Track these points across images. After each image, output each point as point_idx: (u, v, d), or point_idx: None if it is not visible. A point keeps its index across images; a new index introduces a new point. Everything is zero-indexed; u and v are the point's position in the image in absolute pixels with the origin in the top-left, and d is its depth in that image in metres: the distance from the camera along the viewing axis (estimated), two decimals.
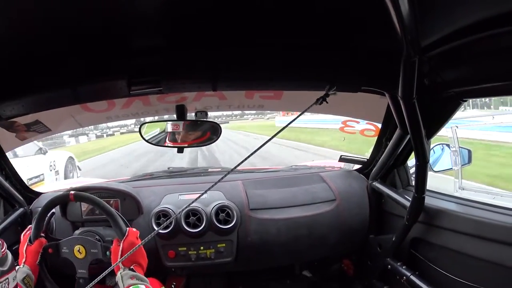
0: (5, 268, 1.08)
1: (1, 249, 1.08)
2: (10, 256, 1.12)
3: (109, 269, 1.23)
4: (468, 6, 0.90)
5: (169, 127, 1.68)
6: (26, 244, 1.50)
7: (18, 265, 1.44)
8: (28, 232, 1.54)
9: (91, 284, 1.22)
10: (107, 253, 1.50)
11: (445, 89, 1.21)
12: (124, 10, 0.95)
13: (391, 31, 0.87)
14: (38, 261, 1.48)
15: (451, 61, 1.10)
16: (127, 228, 1.46)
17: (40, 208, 1.56)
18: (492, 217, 1.34)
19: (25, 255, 1.47)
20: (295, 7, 0.98)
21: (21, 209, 1.80)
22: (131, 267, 1.38)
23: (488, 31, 0.94)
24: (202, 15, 1.01)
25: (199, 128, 1.69)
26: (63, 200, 1.60)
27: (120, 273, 1.35)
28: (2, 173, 1.75)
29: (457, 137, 1.97)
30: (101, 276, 1.20)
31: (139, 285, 1.32)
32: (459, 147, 1.96)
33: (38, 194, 1.98)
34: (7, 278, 1.08)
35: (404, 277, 1.67)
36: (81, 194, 1.54)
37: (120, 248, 1.40)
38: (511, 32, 0.90)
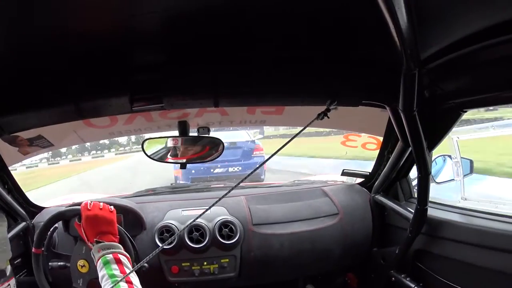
0: (7, 275, 1.16)
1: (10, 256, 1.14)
2: (8, 265, 1.17)
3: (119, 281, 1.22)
4: (465, 17, 0.91)
5: (169, 142, 1.69)
6: None
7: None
8: None
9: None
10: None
11: (445, 101, 1.22)
12: (125, 28, 0.97)
13: (390, 44, 0.87)
14: None
15: (451, 73, 1.12)
16: (79, 207, 1.45)
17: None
18: (495, 226, 1.33)
19: None
20: (294, 23, 1.00)
21: (24, 223, 1.80)
22: (97, 239, 1.34)
23: (486, 41, 0.95)
24: (202, 32, 1.03)
25: (197, 143, 1.70)
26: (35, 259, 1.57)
27: (92, 251, 1.33)
28: (4, 187, 1.75)
29: (458, 148, 1.96)
30: None
31: (106, 256, 1.28)
32: (461, 157, 1.95)
33: (41, 208, 1.98)
34: (9, 284, 1.13)
35: None
36: (41, 226, 1.54)
37: (82, 227, 1.38)
38: (508, 41, 0.91)
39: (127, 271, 1.24)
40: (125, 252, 1.34)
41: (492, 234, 1.31)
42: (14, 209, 1.77)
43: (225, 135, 8.38)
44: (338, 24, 1.01)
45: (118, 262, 1.27)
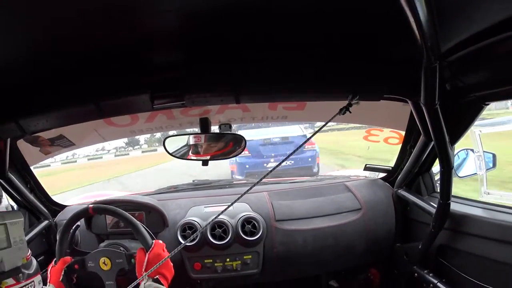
0: (31, 272, 1.14)
1: (27, 254, 1.14)
2: (34, 261, 1.18)
3: (136, 281, 1.24)
4: (486, 8, 0.90)
5: (191, 139, 1.69)
6: (51, 265, 1.53)
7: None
8: None
9: None
10: (132, 260, 1.51)
11: (466, 94, 1.20)
12: (146, 26, 0.97)
13: (410, 38, 0.87)
14: (60, 278, 1.50)
15: (472, 65, 1.10)
16: (153, 241, 1.48)
17: (64, 221, 1.58)
18: None
19: (49, 275, 1.51)
20: (315, 18, 0.98)
21: (46, 222, 1.83)
22: (156, 277, 1.38)
23: (507, 32, 0.93)
24: (223, 29, 1.02)
25: (221, 139, 1.69)
26: (82, 215, 1.61)
27: (144, 283, 1.35)
28: (27, 186, 1.78)
29: (480, 141, 1.94)
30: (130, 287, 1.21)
31: None
32: (483, 151, 1.93)
33: (63, 207, 2.01)
34: (33, 281, 1.15)
35: (431, 285, 1.65)
36: (101, 206, 1.56)
37: (146, 259, 1.42)
38: None
39: None
40: None
41: None
42: (37, 207, 1.80)
43: (279, 130, 8.55)
44: (358, 19, 1.00)
45: None
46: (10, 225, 1.05)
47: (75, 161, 19.65)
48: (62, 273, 1.51)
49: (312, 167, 8.42)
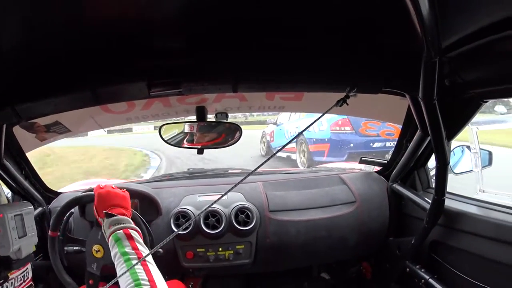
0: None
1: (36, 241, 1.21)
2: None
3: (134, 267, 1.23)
4: (488, 6, 0.89)
5: (186, 128, 1.68)
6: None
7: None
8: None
9: (109, 284, 1.21)
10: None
11: (465, 90, 1.19)
12: (145, 12, 0.95)
13: (411, 32, 0.86)
14: None
15: (472, 62, 1.09)
16: (93, 187, 1.47)
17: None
18: None
19: None
20: (315, 9, 0.98)
21: (40, 209, 1.83)
22: (106, 211, 1.30)
23: (509, 31, 0.92)
24: (223, 18, 1.02)
25: (214, 129, 1.69)
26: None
27: (104, 225, 1.29)
28: (22, 173, 1.77)
29: (477, 139, 1.93)
30: (116, 279, 1.20)
31: (116, 233, 1.22)
32: (480, 148, 1.93)
33: (57, 194, 2.00)
34: (28, 268, 1.18)
35: (423, 280, 1.66)
36: None
37: (94, 207, 1.37)
38: None
39: (139, 246, 1.19)
40: (135, 227, 1.28)
41: (510, 228, 1.29)
42: (31, 194, 1.79)
43: None
44: (359, 11, 0.99)
45: (130, 238, 1.21)
46: (25, 215, 1.09)
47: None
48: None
49: None
